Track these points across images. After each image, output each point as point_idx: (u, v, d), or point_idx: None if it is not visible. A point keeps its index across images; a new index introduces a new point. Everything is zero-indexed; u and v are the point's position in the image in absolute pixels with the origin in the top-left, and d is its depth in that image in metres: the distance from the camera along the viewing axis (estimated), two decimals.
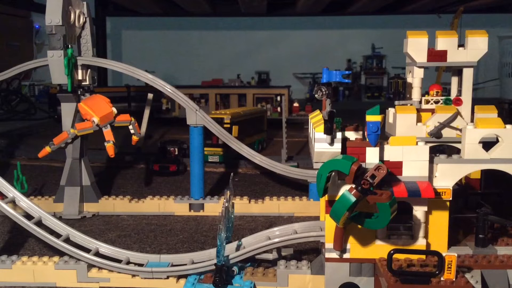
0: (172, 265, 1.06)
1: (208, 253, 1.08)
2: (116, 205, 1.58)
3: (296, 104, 3.48)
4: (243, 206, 1.56)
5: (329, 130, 0.89)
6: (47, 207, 1.52)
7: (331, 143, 0.91)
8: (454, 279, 0.80)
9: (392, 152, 0.89)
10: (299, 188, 1.81)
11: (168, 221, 1.52)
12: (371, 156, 0.89)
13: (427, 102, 1.06)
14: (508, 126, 0.90)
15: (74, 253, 1.08)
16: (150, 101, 1.63)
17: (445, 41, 1.01)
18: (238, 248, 1.05)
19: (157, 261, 1.09)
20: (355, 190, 0.83)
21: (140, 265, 1.07)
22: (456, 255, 0.80)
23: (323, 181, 0.86)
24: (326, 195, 0.90)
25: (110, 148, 1.47)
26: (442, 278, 0.80)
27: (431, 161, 0.90)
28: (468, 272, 0.90)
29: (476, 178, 1.11)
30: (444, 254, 0.80)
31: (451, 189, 0.90)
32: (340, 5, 4.85)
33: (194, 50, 5.80)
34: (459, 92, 1.06)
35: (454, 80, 1.09)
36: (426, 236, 0.92)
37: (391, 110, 1.05)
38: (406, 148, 0.89)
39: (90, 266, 1.07)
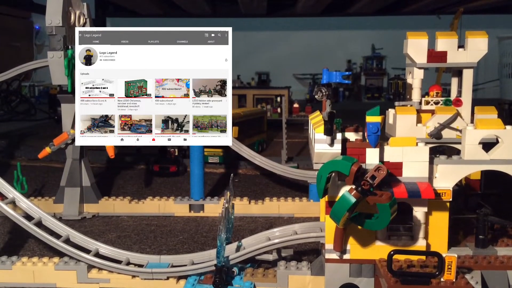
0: (172, 266, 1.06)
1: (208, 254, 1.08)
2: (116, 206, 1.58)
3: (296, 105, 3.47)
4: (243, 207, 1.56)
5: (329, 131, 0.89)
6: (47, 207, 1.52)
7: (331, 144, 0.92)
8: (454, 280, 0.80)
9: (392, 153, 0.89)
10: (299, 189, 1.81)
11: (168, 222, 1.52)
12: (371, 157, 0.89)
13: (427, 103, 1.06)
14: (508, 127, 0.90)
15: (74, 254, 1.08)
16: None
17: (445, 42, 1.01)
18: (238, 249, 1.05)
19: (157, 262, 1.08)
20: (355, 191, 0.83)
21: (140, 266, 1.07)
22: (456, 256, 0.80)
23: (323, 182, 0.86)
24: (326, 196, 0.90)
25: (110, 149, 1.47)
26: (442, 279, 0.81)
27: (431, 162, 0.91)
28: (468, 273, 0.90)
29: (476, 179, 1.11)
30: (444, 255, 0.80)
31: (451, 190, 0.90)
32: (340, 6, 4.86)
33: None
34: (459, 93, 1.06)
35: (454, 81, 1.09)
36: (426, 237, 0.92)
37: (391, 111, 1.06)
38: (406, 149, 0.89)
39: (90, 267, 1.07)
